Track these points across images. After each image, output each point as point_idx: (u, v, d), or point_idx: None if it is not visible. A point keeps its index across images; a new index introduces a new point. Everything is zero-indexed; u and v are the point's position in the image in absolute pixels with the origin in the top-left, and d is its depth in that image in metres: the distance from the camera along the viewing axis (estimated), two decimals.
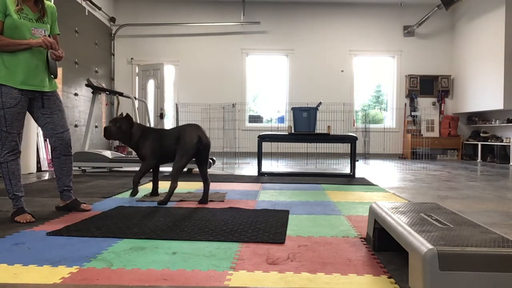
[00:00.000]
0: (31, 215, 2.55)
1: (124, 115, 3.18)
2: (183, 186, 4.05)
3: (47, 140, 6.07)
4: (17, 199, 2.58)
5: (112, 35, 9.46)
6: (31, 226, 2.37)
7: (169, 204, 3.08)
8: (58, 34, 2.86)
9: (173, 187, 3.02)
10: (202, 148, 3.06)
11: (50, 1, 2.80)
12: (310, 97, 9.23)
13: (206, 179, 3.18)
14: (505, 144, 8.09)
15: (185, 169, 3.16)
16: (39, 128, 5.56)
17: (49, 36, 2.70)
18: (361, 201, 3.38)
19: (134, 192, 3.14)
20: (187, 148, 2.99)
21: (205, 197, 3.18)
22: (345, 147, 8.71)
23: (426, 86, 9.77)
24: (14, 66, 2.50)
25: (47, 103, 2.68)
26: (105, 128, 3.15)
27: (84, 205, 2.87)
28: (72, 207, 2.83)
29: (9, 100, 2.48)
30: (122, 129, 3.12)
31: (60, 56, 2.62)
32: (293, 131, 5.31)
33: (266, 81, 10.21)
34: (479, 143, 8.87)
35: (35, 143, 5.41)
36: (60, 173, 2.80)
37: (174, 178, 3.02)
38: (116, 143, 9.16)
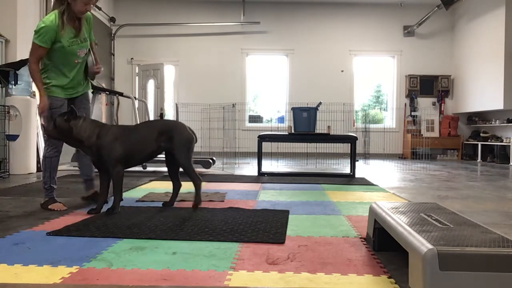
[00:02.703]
0: (62, 203, 2.93)
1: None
2: (183, 186, 4.04)
3: None
4: (52, 190, 2.94)
5: (112, 35, 9.46)
6: (31, 226, 2.37)
7: None
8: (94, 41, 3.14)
9: (200, 185, 2.91)
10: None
11: None
12: (310, 97, 9.22)
13: (179, 179, 3.06)
14: (505, 144, 8.09)
15: (181, 169, 3.02)
16: (39, 128, 5.60)
17: (90, 49, 3.03)
18: (361, 201, 3.38)
19: (116, 210, 2.74)
20: (191, 145, 2.87)
21: (174, 198, 3.05)
22: (345, 147, 8.70)
23: (426, 86, 9.77)
24: (59, 80, 2.88)
25: (77, 103, 3.02)
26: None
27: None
28: (94, 199, 3.09)
29: (56, 102, 2.87)
30: (58, 127, 2.65)
31: (97, 72, 3.06)
32: (293, 131, 5.31)
33: (266, 81, 10.21)
34: (479, 143, 8.87)
35: (35, 144, 5.41)
36: (80, 164, 3.15)
37: (195, 175, 2.88)
38: None
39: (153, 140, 2.79)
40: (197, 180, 2.90)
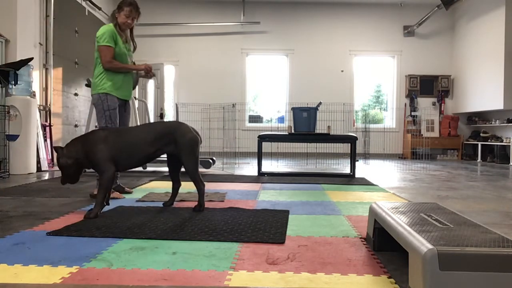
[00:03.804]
0: (120, 192, 3.40)
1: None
2: (183, 186, 4.04)
3: (47, 140, 6.09)
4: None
5: None
6: (31, 226, 2.37)
7: None
8: None
9: (203, 190, 2.83)
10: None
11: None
12: (310, 97, 9.22)
13: (179, 179, 3.03)
14: (505, 144, 8.09)
15: (183, 169, 2.97)
16: (39, 128, 5.60)
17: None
18: (361, 201, 3.38)
19: (95, 214, 2.58)
20: (196, 147, 2.78)
21: (174, 198, 3.02)
22: (345, 147, 8.71)
23: (426, 86, 9.77)
24: (116, 81, 3.31)
25: (128, 108, 3.54)
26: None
27: (127, 188, 3.64)
28: (117, 191, 3.47)
29: (112, 104, 3.28)
30: (63, 169, 2.66)
31: (153, 74, 3.52)
32: (293, 131, 5.31)
33: (266, 81, 10.21)
34: (479, 143, 8.87)
35: (35, 144, 5.41)
36: None
37: (198, 179, 2.80)
38: None
39: (148, 143, 2.71)
40: (200, 185, 2.82)
